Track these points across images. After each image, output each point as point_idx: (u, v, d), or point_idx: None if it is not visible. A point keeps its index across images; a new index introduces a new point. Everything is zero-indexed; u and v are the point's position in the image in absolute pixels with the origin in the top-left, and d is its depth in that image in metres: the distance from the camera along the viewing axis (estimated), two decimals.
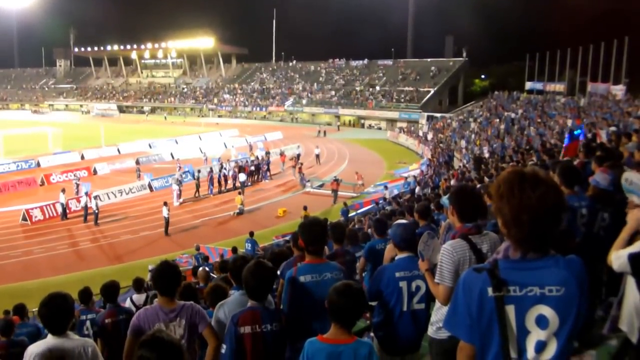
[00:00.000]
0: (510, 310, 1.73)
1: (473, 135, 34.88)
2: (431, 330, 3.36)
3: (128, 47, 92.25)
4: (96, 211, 20.39)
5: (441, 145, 35.34)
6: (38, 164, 33.32)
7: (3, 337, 5.54)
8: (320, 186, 27.44)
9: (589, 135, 11.68)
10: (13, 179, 27.88)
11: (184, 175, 25.78)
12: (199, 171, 27.06)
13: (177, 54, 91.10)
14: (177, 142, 43.67)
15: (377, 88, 68.06)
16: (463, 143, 33.62)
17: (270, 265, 3.30)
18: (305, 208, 19.21)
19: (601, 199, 4.05)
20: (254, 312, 3.08)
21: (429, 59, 69.84)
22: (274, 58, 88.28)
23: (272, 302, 3.33)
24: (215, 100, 78.97)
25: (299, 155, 33.84)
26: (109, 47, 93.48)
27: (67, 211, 21.30)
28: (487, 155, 24.56)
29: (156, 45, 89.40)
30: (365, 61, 76.33)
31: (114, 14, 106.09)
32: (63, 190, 21.69)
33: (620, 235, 2.91)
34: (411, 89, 64.47)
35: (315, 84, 74.82)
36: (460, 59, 68.10)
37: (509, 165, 12.21)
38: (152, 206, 22.86)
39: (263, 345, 3.03)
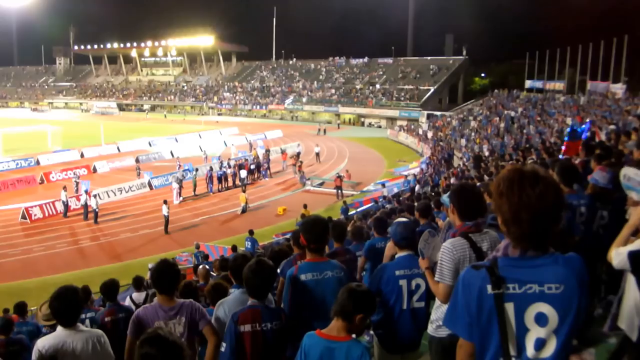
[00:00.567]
0: (510, 307, 1.73)
1: (473, 134, 34.92)
2: (431, 329, 3.36)
3: (128, 45, 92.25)
4: (96, 209, 20.38)
5: (441, 143, 35.36)
6: (37, 162, 33.29)
7: (2, 335, 5.54)
8: (321, 184, 27.50)
9: (588, 134, 11.67)
10: (12, 177, 27.81)
11: (185, 174, 25.79)
12: (196, 170, 27.07)
13: (177, 52, 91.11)
14: (177, 141, 43.60)
15: (377, 86, 68.01)
16: (463, 141, 33.66)
17: (271, 264, 3.30)
18: (305, 206, 19.21)
19: (600, 197, 4.06)
20: (254, 310, 3.07)
21: (429, 58, 69.84)
22: (274, 56, 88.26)
23: (272, 300, 3.33)
24: (215, 99, 78.91)
25: (299, 154, 33.85)
26: (108, 45, 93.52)
27: (68, 209, 21.28)
28: (486, 153, 24.59)
29: (156, 43, 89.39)
30: (366, 59, 76.27)
31: (113, 11, 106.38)
32: (65, 188, 21.69)
33: (622, 232, 2.90)
34: (411, 87, 64.47)
35: (316, 82, 74.77)
36: (460, 57, 68.12)
37: (509, 164, 12.20)
38: (151, 204, 22.83)
39: (263, 343, 3.03)
